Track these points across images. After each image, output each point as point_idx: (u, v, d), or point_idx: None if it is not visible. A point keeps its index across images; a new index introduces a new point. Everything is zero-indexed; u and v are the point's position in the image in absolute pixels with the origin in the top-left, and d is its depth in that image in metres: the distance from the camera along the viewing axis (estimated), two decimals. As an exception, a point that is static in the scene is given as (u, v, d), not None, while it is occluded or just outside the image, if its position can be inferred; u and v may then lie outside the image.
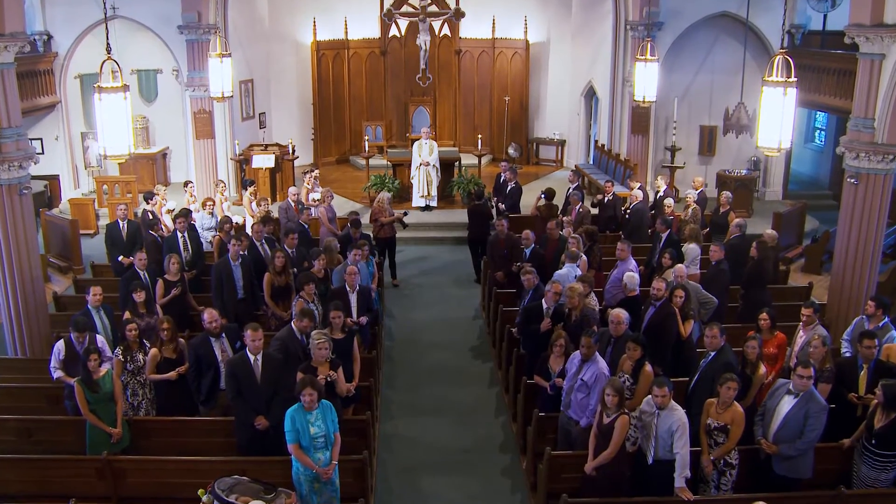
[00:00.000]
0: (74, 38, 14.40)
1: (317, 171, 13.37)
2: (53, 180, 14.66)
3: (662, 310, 7.41)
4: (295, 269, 8.86)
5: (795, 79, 7.28)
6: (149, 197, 11.07)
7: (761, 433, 6.09)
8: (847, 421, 6.40)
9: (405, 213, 11.79)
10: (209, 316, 6.81)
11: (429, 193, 14.16)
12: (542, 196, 11.63)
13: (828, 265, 11.44)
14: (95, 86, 7.13)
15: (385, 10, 16.23)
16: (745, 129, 13.80)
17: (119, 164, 14.02)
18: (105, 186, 14.35)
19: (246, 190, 12.27)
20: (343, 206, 13.62)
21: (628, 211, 11.53)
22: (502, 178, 12.58)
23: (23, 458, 6.37)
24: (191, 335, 7.73)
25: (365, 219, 11.55)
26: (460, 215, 13.16)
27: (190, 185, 12.03)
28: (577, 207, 11.09)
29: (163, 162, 16.17)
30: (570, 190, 11.85)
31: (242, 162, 14.78)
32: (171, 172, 16.40)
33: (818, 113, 17.56)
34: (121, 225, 9.97)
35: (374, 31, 17.75)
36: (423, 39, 15.60)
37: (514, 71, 17.85)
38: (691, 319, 7.62)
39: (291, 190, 11.48)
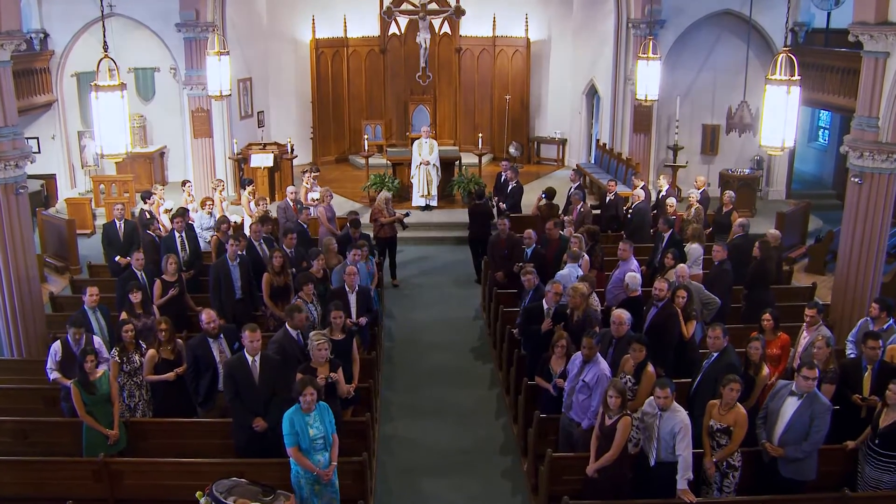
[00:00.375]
0: (71, 36, 14.32)
1: (318, 171, 13.28)
2: (50, 179, 14.58)
3: (665, 310, 7.35)
4: (294, 270, 8.80)
5: (799, 77, 7.24)
6: (146, 196, 10.99)
7: (765, 436, 6.02)
8: (851, 422, 6.34)
9: (407, 214, 11.68)
10: (207, 316, 6.76)
11: (429, 193, 14.09)
12: (543, 196, 11.57)
13: (831, 265, 11.37)
14: (92, 84, 7.05)
15: (385, 7, 16.16)
16: (748, 128, 13.73)
17: (116, 163, 13.96)
18: (102, 186, 14.27)
19: (244, 189, 12.19)
20: (342, 205, 13.55)
21: (630, 211, 11.46)
22: (503, 178, 12.52)
23: (19, 461, 6.32)
24: (189, 336, 7.67)
25: (364, 218, 11.48)
26: (461, 215, 13.09)
27: (188, 184, 11.97)
28: (579, 207, 11.02)
29: (160, 161, 16.10)
30: (572, 189, 11.78)
31: (241, 161, 14.71)
32: (168, 171, 16.34)
33: (822, 112, 17.47)
34: (118, 225, 9.90)
35: (373, 29, 17.68)
36: (423, 37, 15.55)
37: (514, 69, 17.78)
38: (694, 320, 7.56)
39: (289, 189, 11.41)
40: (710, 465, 5.90)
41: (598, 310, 7.75)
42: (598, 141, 16.87)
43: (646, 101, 12.61)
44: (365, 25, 17.58)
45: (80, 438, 6.43)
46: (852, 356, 7.17)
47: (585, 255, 8.83)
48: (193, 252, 9.55)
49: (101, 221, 12.47)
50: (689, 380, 6.77)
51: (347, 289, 7.96)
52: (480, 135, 15.74)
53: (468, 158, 15.37)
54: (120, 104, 7.04)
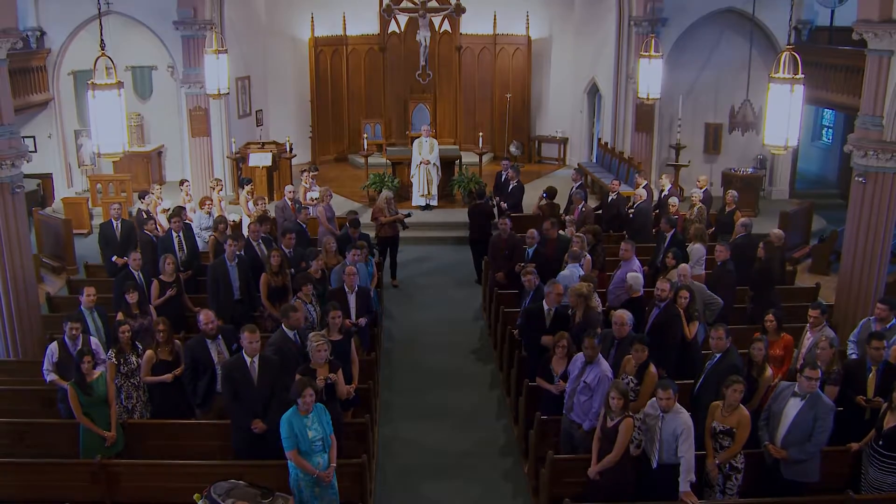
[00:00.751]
0: (68, 34, 14.24)
1: (317, 171, 13.20)
2: (46, 179, 14.52)
3: (667, 311, 7.29)
4: (292, 270, 8.74)
5: (802, 76, 7.17)
6: (144, 196, 10.92)
7: (768, 438, 5.97)
8: (855, 424, 6.29)
9: (408, 214, 11.61)
10: (205, 317, 6.71)
11: (429, 192, 14.03)
12: (544, 195, 11.51)
13: (835, 265, 11.31)
14: (89, 83, 6.99)
15: (384, 5, 16.09)
16: (751, 127, 13.63)
17: (113, 162, 13.88)
18: (99, 185, 14.23)
19: (243, 189, 12.11)
20: (342, 205, 13.50)
21: (632, 210, 11.40)
22: (504, 177, 12.46)
23: (15, 462, 6.27)
24: (187, 337, 7.63)
25: (364, 218, 11.41)
26: (461, 215, 13.02)
27: (185, 183, 11.89)
28: (580, 207, 10.96)
29: (158, 160, 16.04)
30: (574, 189, 11.72)
31: (239, 160, 14.64)
32: (166, 171, 16.28)
33: (825, 110, 17.41)
34: (115, 224, 9.84)
35: (372, 27, 17.62)
36: (422, 35, 15.50)
37: (515, 67, 17.71)
38: (696, 321, 7.51)
39: (288, 189, 11.34)
40: (712, 467, 5.86)
41: (599, 310, 7.69)
42: (599, 140, 16.82)
43: (648, 99, 12.57)
44: (364, 23, 17.52)
45: (76, 440, 6.38)
46: (854, 356, 7.12)
47: (587, 255, 8.77)
48: (191, 252, 9.49)
49: (97, 221, 12.44)
50: (692, 381, 6.71)
51: (347, 289, 7.90)
52: (481, 134, 15.68)
53: (468, 157, 15.31)
54: (117, 103, 6.99)
